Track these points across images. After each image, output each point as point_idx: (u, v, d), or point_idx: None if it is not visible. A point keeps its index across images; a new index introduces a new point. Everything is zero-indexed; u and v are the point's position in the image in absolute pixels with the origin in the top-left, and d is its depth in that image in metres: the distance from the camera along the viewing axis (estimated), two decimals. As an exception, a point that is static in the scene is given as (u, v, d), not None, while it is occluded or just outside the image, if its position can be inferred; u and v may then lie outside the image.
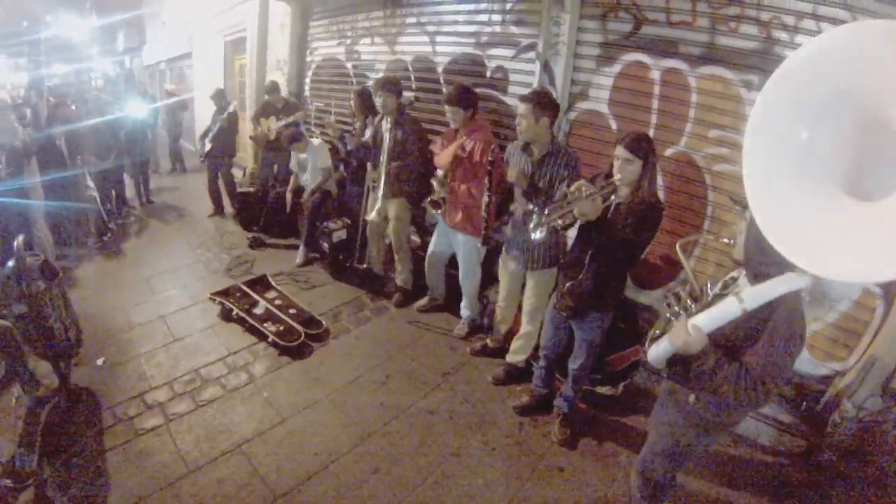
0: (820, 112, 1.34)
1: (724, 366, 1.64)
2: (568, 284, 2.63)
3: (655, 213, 2.36)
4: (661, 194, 3.36)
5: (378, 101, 3.91)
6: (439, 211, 3.48)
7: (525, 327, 3.40)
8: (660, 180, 3.40)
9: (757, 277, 1.65)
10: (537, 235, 2.26)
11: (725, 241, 1.83)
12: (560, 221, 2.23)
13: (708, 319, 1.68)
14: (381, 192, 4.06)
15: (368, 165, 4.31)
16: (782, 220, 1.36)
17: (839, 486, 2.85)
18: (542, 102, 2.84)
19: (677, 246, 2.12)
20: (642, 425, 2.23)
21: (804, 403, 3.11)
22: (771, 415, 3.07)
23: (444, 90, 3.39)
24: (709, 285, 1.89)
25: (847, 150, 1.33)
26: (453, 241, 3.82)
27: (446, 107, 3.36)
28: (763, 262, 1.60)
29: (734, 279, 1.84)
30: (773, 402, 3.09)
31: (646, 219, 2.33)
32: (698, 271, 3.30)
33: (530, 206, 2.51)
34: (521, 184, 2.90)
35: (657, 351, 1.85)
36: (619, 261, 2.50)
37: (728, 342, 1.72)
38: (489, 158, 3.16)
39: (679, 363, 1.79)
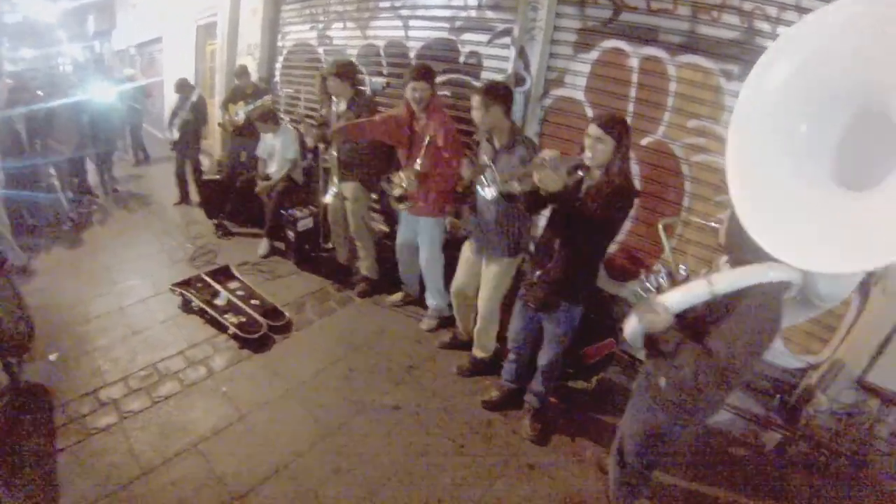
0: (806, 100, 1.30)
1: (687, 347, 1.60)
2: (537, 273, 2.52)
3: (626, 194, 2.26)
4: (637, 183, 3.30)
5: (330, 84, 3.83)
6: (404, 206, 3.36)
7: (480, 320, 3.28)
8: (636, 169, 3.35)
9: (737, 264, 1.60)
10: (487, 193, 2.13)
11: (714, 224, 1.79)
12: (516, 184, 2.10)
13: (675, 298, 1.65)
14: (335, 175, 3.96)
15: (321, 147, 4.19)
16: (763, 212, 1.32)
17: (813, 478, 2.84)
18: (491, 92, 2.77)
19: (659, 225, 2.05)
20: (617, 420, 2.16)
21: (778, 396, 3.10)
22: (745, 407, 3.05)
23: (408, 68, 3.26)
24: (683, 266, 1.85)
25: (832, 139, 1.29)
26: (416, 227, 3.70)
27: (413, 83, 3.21)
28: (742, 249, 1.55)
29: (713, 269, 1.79)
30: (741, 392, 3.07)
31: (615, 199, 2.21)
32: (680, 251, 3.23)
33: (484, 159, 2.36)
34: (478, 180, 2.74)
35: (628, 327, 1.83)
36: (590, 247, 2.40)
37: (697, 324, 1.67)
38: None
39: (652, 343, 1.76)
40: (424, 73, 3.24)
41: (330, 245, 4.74)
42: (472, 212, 3.08)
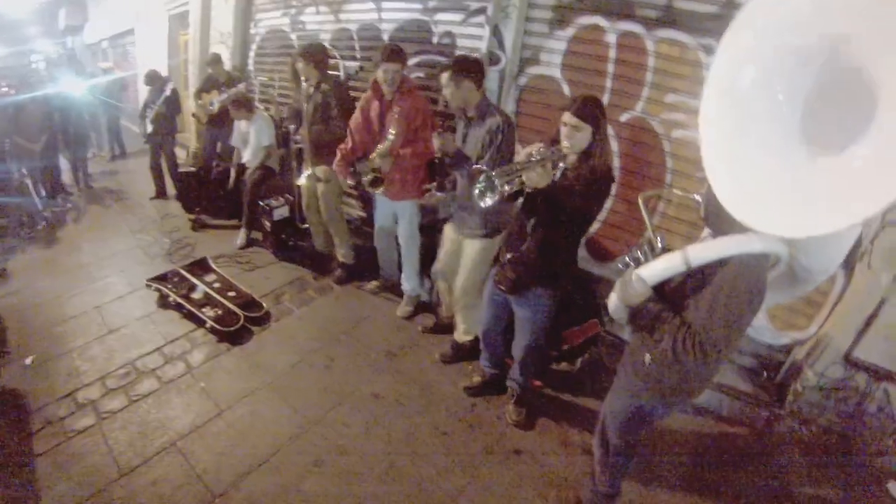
0: (775, 67, 1.26)
1: (665, 319, 1.57)
2: (509, 256, 2.46)
3: (604, 182, 2.20)
4: (616, 161, 3.27)
5: (298, 67, 3.77)
6: (380, 189, 3.28)
7: (458, 301, 3.23)
8: (615, 146, 3.30)
9: (717, 235, 1.57)
10: (486, 202, 2.06)
11: (696, 197, 1.73)
12: (506, 188, 2.05)
13: (650, 271, 1.63)
14: (307, 158, 3.91)
15: (291, 128, 4.14)
16: (739, 183, 1.28)
17: (800, 453, 2.83)
18: (459, 66, 2.72)
19: (640, 199, 2.00)
20: (602, 401, 2.13)
21: (765, 373, 3.10)
22: (732, 385, 3.03)
23: (379, 50, 3.18)
24: (659, 238, 1.80)
25: (804, 102, 1.25)
26: (394, 210, 3.64)
27: (384, 65, 3.13)
28: (721, 220, 1.50)
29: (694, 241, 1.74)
30: (734, 368, 3.06)
31: (594, 189, 2.16)
32: (664, 229, 3.18)
33: (477, 165, 2.31)
34: (448, 150, 2.70)
35: (610, 303, 1.82)
36: (565, 232, 2.33)
37: (675, 295, 1.65)
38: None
39: (636, 319, 1.72)
40: (395, 54, 3.15)
41: (306, 226, 4.65)
42: (452, 191, 3.02)
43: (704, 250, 1.52)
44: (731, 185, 1.29)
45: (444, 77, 2.78)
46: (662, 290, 1.66)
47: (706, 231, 1.73)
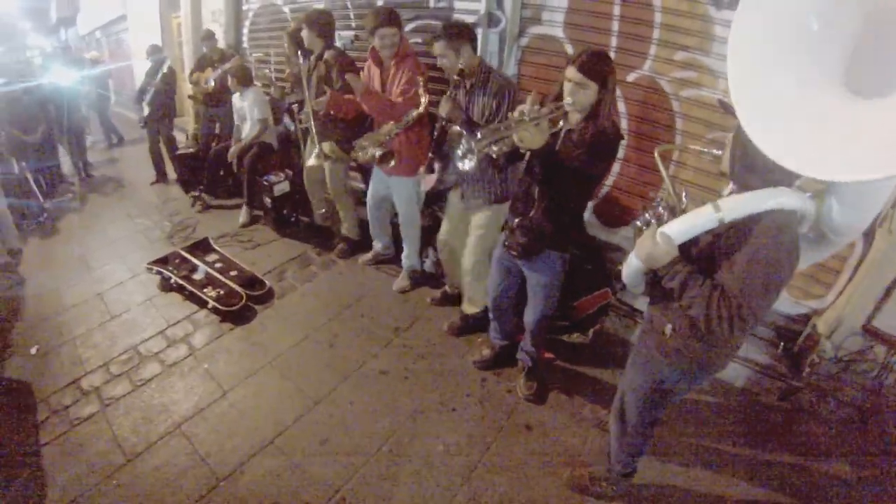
0: None
1: (695, 282, 1.42)
2: (516, 220, 2.33)
3: (611, 142, 2.04)
4: (623, 123, 3.13)
5: (304, 35, 3.55)
6: (391, 164, 3.15)
7: (466, 273, 3.13)
8: (622, 108, 3.15)
9: (744, 191, 1.43)
10: (466, 165, 1.93)
11: (716, 152, 1.59)
12: (495, 148, 1.90)
13: (678, 228, 1.47)
14: (314, 134, 3.72)
15: (294, 107, 3.99)
16: (769, 119, 1.16)
17: (817, 427, 2.75)
18: (453, 33, 2.58)
19: (656, 153, 1.86)
20: (616, 374, 2.02)
21: (781, 344, 2.98)
22: (747, 356, 2.93)
23: (370, 16, 3.02)
24: (684, 193, 1.65)
25: (850, 41, 1.14)
26: (388, 184, 3.51)
27: (380, 31, 2.99)
28: (749, 173, 1.39)
29: (721, 197, 1.60)
30: (748, 339, 2.95)
31: (600, 149, 2.01)
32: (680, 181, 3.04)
33: (457, 129, 2.15)
34: (455, 116, 2.54)
35: (626, 268, 1.66)
36: (572, 196, 2.20)
37: (702, 258, 1.49)
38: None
39: (656, 284, 1.59)
40: (389, 18, 3.00)
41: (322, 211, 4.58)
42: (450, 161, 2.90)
43: (739, 203, 1.38)
44: (768, 128, 1.16)
45: (439, 46, 2.62)
46: (687, 252, 1.51)
47: (730, 187, 1.57)
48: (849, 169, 1.03)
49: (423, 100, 2.96)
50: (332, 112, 3.50)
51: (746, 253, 1.36)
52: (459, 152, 1.90)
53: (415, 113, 3.01)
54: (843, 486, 2.44)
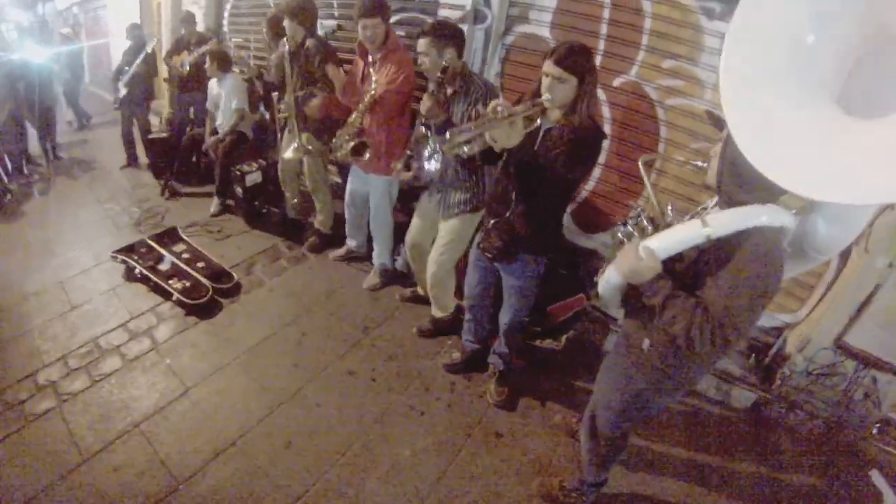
0: (821, 11, 1.11)
1: (678, 299, 1.38)
2: (493, 221, 2.27)
3: (593, 141, 1.98)
4: (606, 128, 3.08)
5: (285, 24, 3.42)
6: (365, 156, 3.07)
7: (431, 278, 3.05)
8: (606, 112, 3.11)
9: (730, 205, 1.39)
10: (431, 166, 1.86)
11: (700, 164, 1.56)
12: (465, 149, 1.83)
13: (663, 243, 1.42)
14: (294, 126, 3.60)
15: (274, 97, 3.85)
16: (763, 136, 1.13)
17: (786, 438, 2.78)
18: (442, 33, 2.48)
19: (640, 162, 1.81)
20: (588, 381, 1.99)
21: (752, 355, 3.02)
22: (719, 367, 2.94)
23: (356, 5, 2.92)
24: (669, 207, 1.61)
25: (846, 61, 1.13)
26: (368, 183, 3.43)
27: (363, 21, 2.88)
28: (737, 188, 1.35)
29: (705, 209, 1.57)
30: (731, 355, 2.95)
31: (580, 148, 1.93)
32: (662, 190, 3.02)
33: (422, 130, 2.05)
34: (437, 118, 2.41)
35: (605, 283, 1.61)
36: (550, 198, 2.14)
37: (686, 275, 1.45)
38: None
39: (636, 300, 1.55)
40: (374, 8, 2.88)
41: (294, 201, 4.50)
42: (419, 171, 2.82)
43: (727, 219, 1.34)
44: (760, 144, 1.13)
45: (423, 43, 2.53)
46: (670, 267, 1.46)
47: (714, 201, 1.54)
48: (843, 191, 1.00)
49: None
50: (324, 115, 3.43)
51: (732, 270, 1.33)
52: (426, 153, 1.83)
53: (368, 97, 2.93)
54: (810, 497, 2.47)
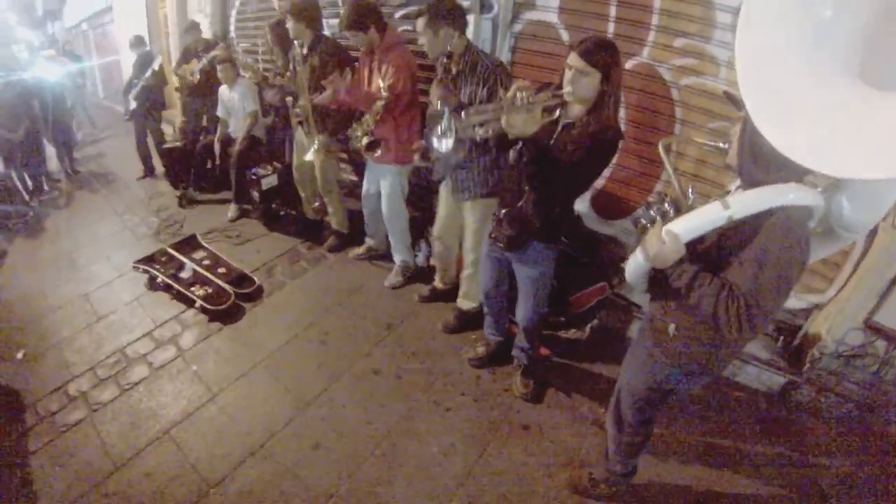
0: None
1: (703, 282, 1.37)
2: (504, 211, 2.24)
3: (611, 143, 1.94)
4: (622, 112, 3.02)
5: (291, 26, 3.42)
6: (378, 152, 3.06)
7: (467, 267, 3.05)
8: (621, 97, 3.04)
9: (751, 186, 1.37)
10: (443, 145, 1.82)
11: (721, 145, 1.53)
12: (480, 131, 1.79)
13: (686, 225, 1.41)
14: (311, 128, 3.60)
15: (289, 101, 3.86)
16: (783, 117, 1.11)
17: (817, 422, 2.72)
18: (436, 12, 2.47)
19: (660, 146, 1.77)
20: (614, 370, 1.96)
21: (781, 338, 2.94)
22: (747, 351, 2.87)
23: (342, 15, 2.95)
24: (691, 189, 1.60)
25: (865, 31, 1.08)
26: (379, 176, 3.42)
27: (347, 33, 2.93)
28: (758, 168, 1.33)
29: (728, 192, 1.53)
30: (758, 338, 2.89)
31: (598, 148, 1.91)
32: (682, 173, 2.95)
33: (437, 107, 2.02)
34: (449, 102, 2.37)
35: (631, 266, 1.61)
36: (564, 189, 2.10)
37: (710, 257, 1.44)
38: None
39: (660, 284, 1.54)
40: (353, 23, 2.91)
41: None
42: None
43: (747, 200, 1.32)
44: (779, 122, 1.10)
45: (420, 23, 2.53)
46: (692, 249, 1.45)
47: (736, 182, 1.52)
48: (868, 167, 0.96)
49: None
50: (334, 106, 3.40)
51: (756, 251, 1.31)
52: (438, 130, 1.80)
53: (380, 104, 2.93)
54: (843, 483, 2.41)
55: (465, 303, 3.20)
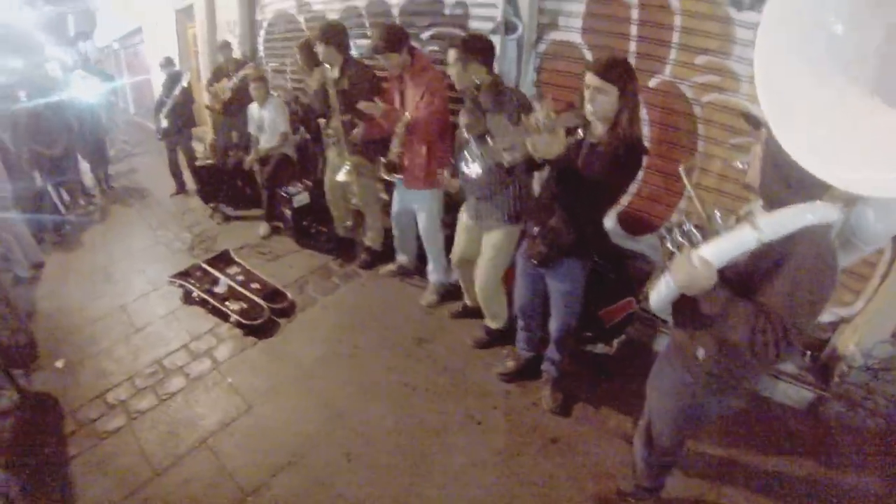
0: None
1: (737, 307, 1.34)
2: (536, 229, 2.31)
3: (635, 155, 2.00)
4: (645, 129, 3.06)
5: (319, 52, 3.53)
6: (399, 175, 3.14)
7: (480, 292, 3.08)
8: (643, 114, 3.09)
9: (773, 206, 1.37)
10: (472, 171, 1.88)
11: (739, 165, 1.52)
12: (507, 157, 1.85)
13: (717, 250, 1.38)
14: (344, 150, 3.68)
15: (321, 122, 3.96)
16: (805, 131, 1.11)
17: (847, 438, 2.68)
18: (469, 46, 2.54)
19: (680, 169, 1.80)
20: (642, 385, 1.98)
21: (808, 353, 2.90)
22: (774, 366, 2.84)
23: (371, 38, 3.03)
24: (717, 212, 1.56)
25: (879, 49, 1.08)
26: (412, 200, 3.48)
27: (378, 56, 3.01)
28: (781, 187, 1.33)
29: (751, 213, 1.52)
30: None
31: (622, 161, 1.97)
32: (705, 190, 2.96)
33: (465, 135, 2.07)
34: (475, 130, 2.50)
35: (657, 294, 1.57)
36: (593, 206, 2.17)
37: (741, 281, 1.41)
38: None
39: (686, 309, 1.53)
40: (385, 46, 2.98)
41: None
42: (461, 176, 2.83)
43: (779, 221, 1.31)
44: (804, 141, 1.10)
45: (451, 55, 2.60)
46: (721, 273, 1.41)
47: (757, 203, 1.51)
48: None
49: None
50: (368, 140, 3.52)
51: (789, 272, 1.30)
52: (468, 156, 1.86)
53: (400, 125, 3.01)
54: (874, 499, 2.38)
55: (492, 323, 3.24)
